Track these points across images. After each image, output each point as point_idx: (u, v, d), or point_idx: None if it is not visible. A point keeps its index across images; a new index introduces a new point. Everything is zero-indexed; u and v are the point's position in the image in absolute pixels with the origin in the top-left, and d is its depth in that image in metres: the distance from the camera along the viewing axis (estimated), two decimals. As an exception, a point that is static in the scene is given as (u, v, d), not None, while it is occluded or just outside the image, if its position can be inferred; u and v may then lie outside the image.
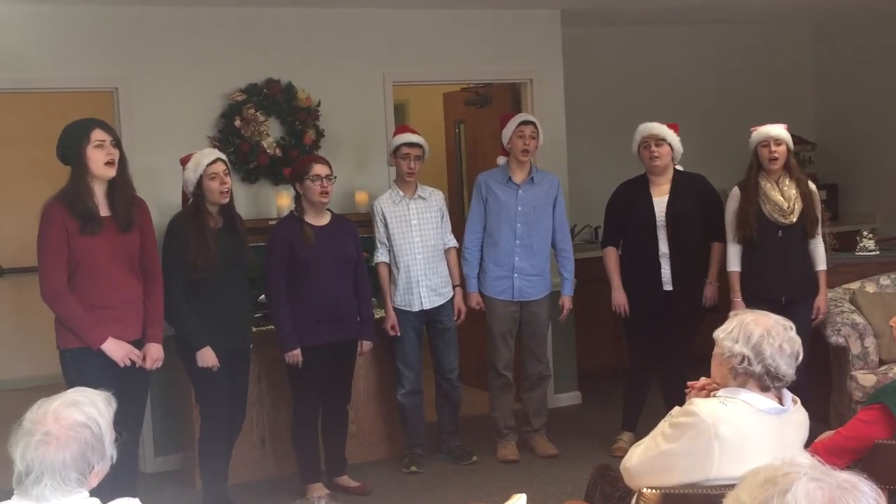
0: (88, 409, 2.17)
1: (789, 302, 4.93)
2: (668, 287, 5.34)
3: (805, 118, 8.12)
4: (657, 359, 5.48)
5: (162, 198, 5.28)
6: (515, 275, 5.48)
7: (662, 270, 5.33)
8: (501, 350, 5.54)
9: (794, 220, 5.09)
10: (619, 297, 5.48)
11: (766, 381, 2.72)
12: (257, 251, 5.01)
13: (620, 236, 5.52)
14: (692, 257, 5.37)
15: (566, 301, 5.64)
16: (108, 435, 2.19)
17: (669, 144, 5.31)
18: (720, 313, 5.15)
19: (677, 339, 5.39)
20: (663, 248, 5.33)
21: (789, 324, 2.79)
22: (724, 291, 5.37)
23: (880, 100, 7.77)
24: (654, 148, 5.29)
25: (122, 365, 4.15)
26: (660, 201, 5.36)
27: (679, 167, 5.46)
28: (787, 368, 2.71)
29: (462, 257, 5.56)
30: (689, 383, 3.01)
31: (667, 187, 5.38)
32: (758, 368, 2.70)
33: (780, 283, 5.11)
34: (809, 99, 8.36)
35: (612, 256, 5.53)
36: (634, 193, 5.44)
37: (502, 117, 5.66)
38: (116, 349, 4.14)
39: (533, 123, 5.50)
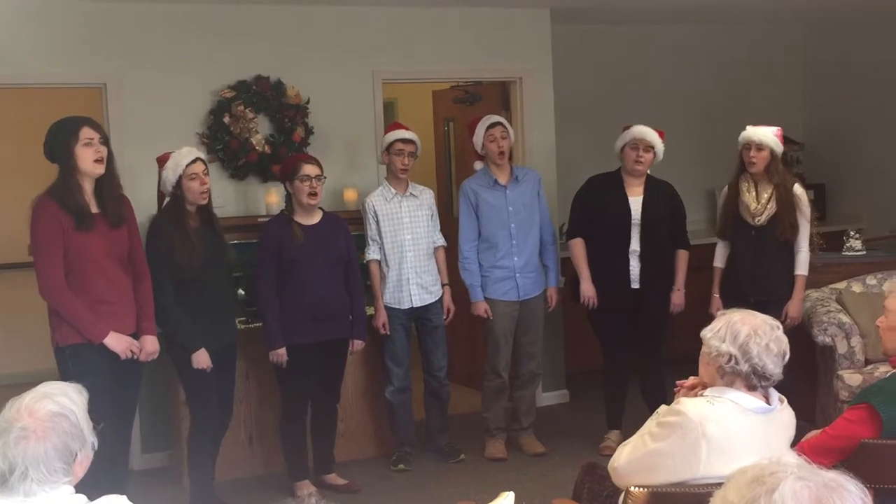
0: (61, 399, 2.16)
1: (758, 302, 4.90)
2: (635, 285, 5.36)
3: (794, 118, 8.14)
4: (631, 357, 5.49)
5: (151, 194, 5.25)
6: (517, 274, 5.45)
7: (631, 267, 5.34)
8: (503, 351, 5.51)
9: (762, 222, 5.12)
10: (589, 289, 5.44)
11: (754, 381, 2.73)
12: (243, 249, 4.99)
13: (588, 229, 5.47)
14: (661, 260, 5.40)
15: (553, 292, 5.63)
16: (85, 422, 2.18)
17: (655, 153, 5.35)
18: (693, 308, 5.21)
19: (648, 339, 5.43)
20: (634, 245, 5.34)
21: (776, 323, 2.80)
22: (691, 298, 5.42)
23: (869, 101, 7.80)
24: (641, 153, 5.32)
25: (123, 357, 4.17)
26: (635, 200, 5.38)
27: (648, 172, 5.47)
28: (774, 367, 2.73)
29: (461, 267, 5.48)
30: (678, 382, 3.02)
31: (641, 188, 5.41)
32: (745, 367, 2.71)
33: (749, 282, 5.16)
34: (799, 99, 8.38)
35: (579, 248, 5.49)
36: (609, 188, 5.43)
37: (469, 124, 5.61)
38: (118, 342, 4.16)
39: (500, 124, 5.47)
